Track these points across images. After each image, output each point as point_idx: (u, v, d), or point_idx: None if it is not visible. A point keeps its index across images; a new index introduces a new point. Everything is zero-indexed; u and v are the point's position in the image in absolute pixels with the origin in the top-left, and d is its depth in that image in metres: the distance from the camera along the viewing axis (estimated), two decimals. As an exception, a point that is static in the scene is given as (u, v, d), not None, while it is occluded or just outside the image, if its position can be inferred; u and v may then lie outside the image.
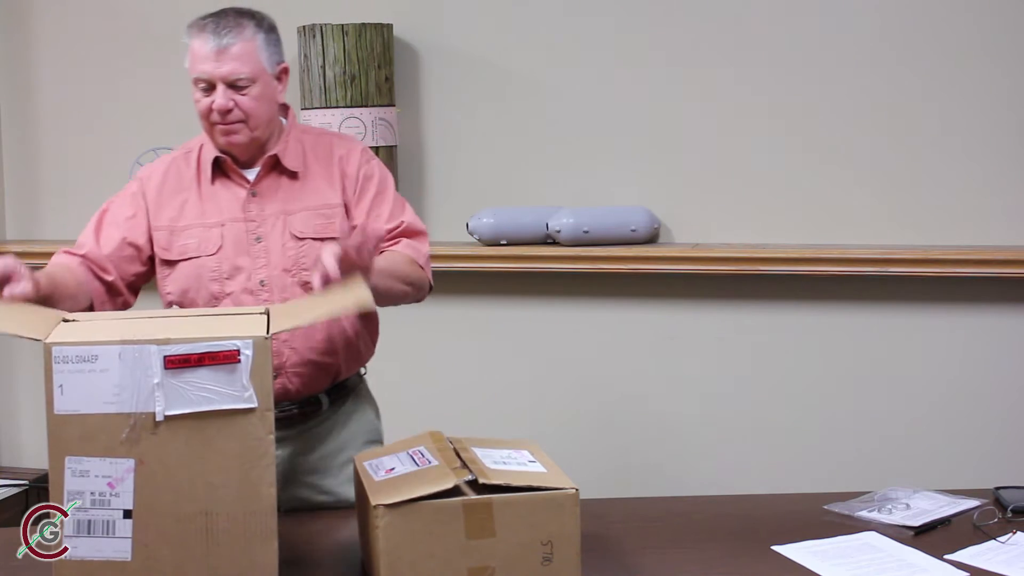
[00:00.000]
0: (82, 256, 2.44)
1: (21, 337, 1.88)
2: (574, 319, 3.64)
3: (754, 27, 3.46)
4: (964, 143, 3.35)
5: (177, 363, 1.82)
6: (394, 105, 3.63)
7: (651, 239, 3.54)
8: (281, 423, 2.46)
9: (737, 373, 3.53)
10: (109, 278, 2.44)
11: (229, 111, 2.37)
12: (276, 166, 2.46)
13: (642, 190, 3.57)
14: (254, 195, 2.44)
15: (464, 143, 3.70)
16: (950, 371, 3.39)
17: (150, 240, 2.46)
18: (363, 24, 3.55)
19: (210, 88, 2.37)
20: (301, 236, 2.42)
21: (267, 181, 2.45)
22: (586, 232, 3.49)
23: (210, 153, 2.46)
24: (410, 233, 2.49)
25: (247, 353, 1.83)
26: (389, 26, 3.63)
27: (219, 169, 2.46)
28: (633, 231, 3.51)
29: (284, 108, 2.51)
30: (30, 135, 4.05)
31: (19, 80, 4.05)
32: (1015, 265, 3.26)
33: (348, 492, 2.51)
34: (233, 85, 2.36)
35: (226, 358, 1.82)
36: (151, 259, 2.48)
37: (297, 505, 2.51)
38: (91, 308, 2.42)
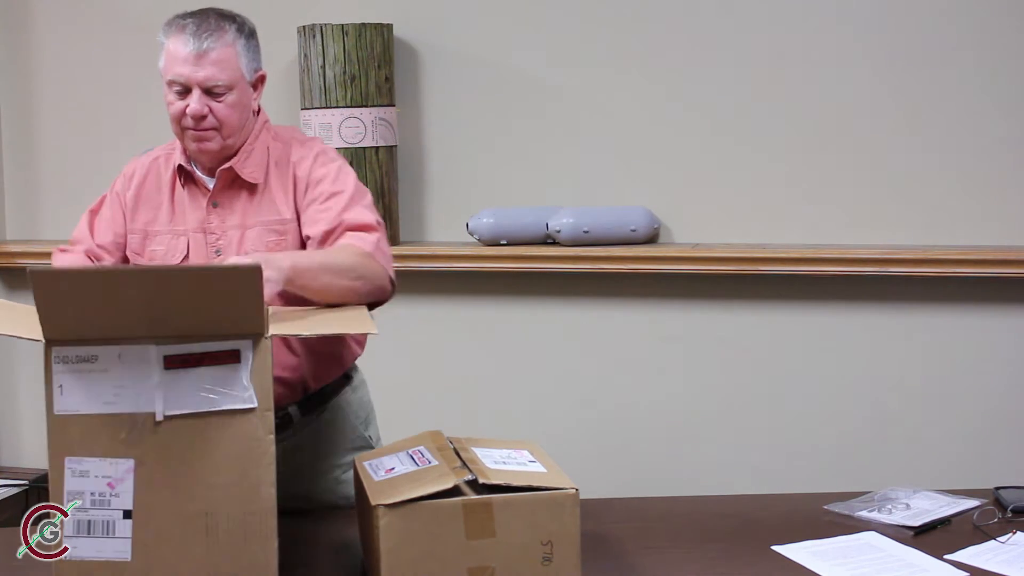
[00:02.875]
0: (83, 252, 2.41)
1: (21, 338, 1.88)
2: (574, 319, 3.64)
3: (754, 27, 3.46)
4: (964, 143, 3.35)
5: (177, 363, 1.82)
6: (394, 105, 3.63)
7: (651, 239, 3.54)
8: None
9: (737, 373, 3.53)
10: (108, 261, 2.39)
11: (203, 117, 2.30)
12: (236, 178, 2.38)
13: (642, 190, 3.57)
14: (215, 206, 2.38)
15: (464, 143, 3.70)
16: (950, 371, 3.39)
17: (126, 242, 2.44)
18: (363, 24, 3.55)
19: (185, 91, 2.30)
20: (254, 252, 2.31)
21: (227, 193, 2.38)
22: (586, 232, 3.49)
23: (179, 158, 2.40)
24: (353, 228, 2.33)
25: (247, 353, 1.82)
26: (389, 26, 3.63)
27: (187, 175, 2.41)
28: (633, 231, 3.51)
29: (258, 112, 2.44)
30: (30, 135, 4.05)
31: (19, 80, 4.05)
32: (1015, 265, 3.26)
33: (326, 497, 2.48)
34: (210, 91, 2.29)
35: (226, 358, 1.82)
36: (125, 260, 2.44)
37: (285, 507, 2.48)
38: None
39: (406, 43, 3.70)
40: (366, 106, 3.55)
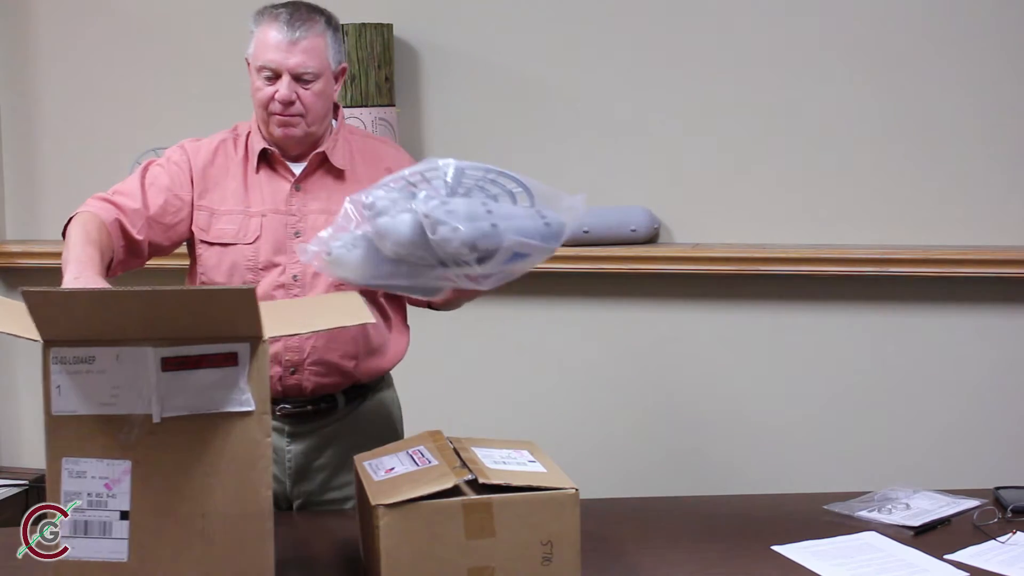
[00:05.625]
0: (121, 210, 2.39)
1: (20, 337, 1.88)
2: (574, 319, 3.64)
3: (754, 27, 3.47)
4: (964, 143, 3.35)
5: (174, 365, 1.81)
6: (394, 105, 3.63)
7: (651, 239, 3.54)
8: (295, 419, 2.48)
9: (737, 373, 3.53)
10: (139, 237, 2.40)
11: (291, 103, 2.38)
12: (323, 163, 2.47)
13: (642, 190, 3.57)
14: (298, 189, 2.45)
15: (464, 143, 3.69)
16: (950, 371, 3.39)
17: (188, 217, 2.45)
18: (363, 24, 3.56)
19: (274, 77, 2.38)
20: None
21: (313, 177, 2.46)
22: (586, 232, 3.50)
23: (258, 142, 2.46)
24: None
25: (245, 356, 1.82)
26: (389, 26, 3.63)
27: (265, 160, 2.47)
28: (633, 231, 3.51)
29: (335, 107, 2.53)
30: (30, 135, 4.05)
31: (19, 80, 4.05)
32: (1015, 265, 3.26)
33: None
34: (299, 78, 2.38)
35: (224, 361, 1.82)
36: (178, 236, 2.47)
37: (308, 501, 2.52)
38: (110, 265, 2.39)
39: (406, 43, 3.70)
40: (366, 106, 3.55)
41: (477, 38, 3.67)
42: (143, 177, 2.47)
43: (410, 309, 2.60)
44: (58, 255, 4.24)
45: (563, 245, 3.43)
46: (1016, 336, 3.34)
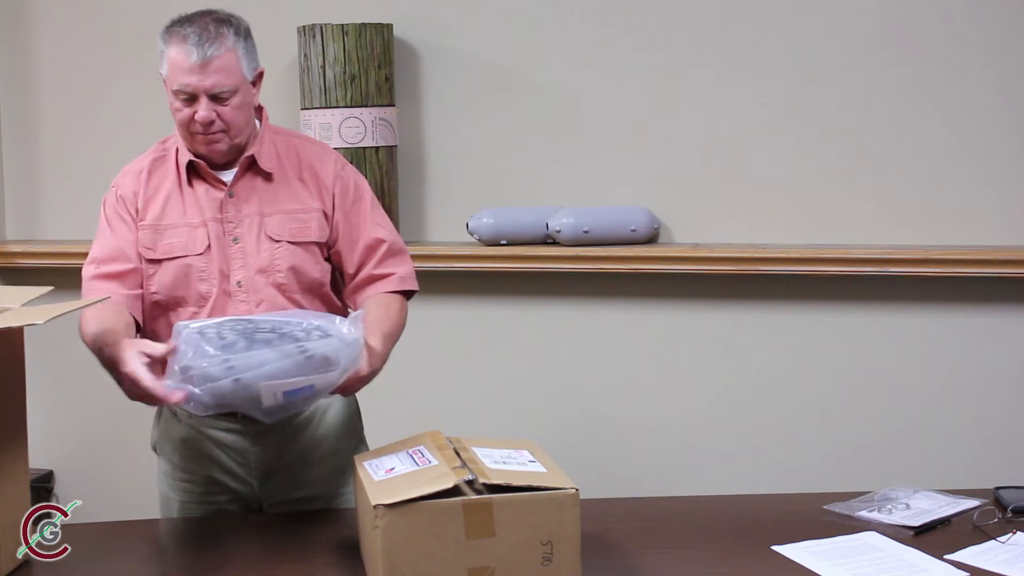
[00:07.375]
0: (119, 282, 2.42)
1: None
2: (574, 319, 3.64)
3: (754, 27, 3.46)
4: (964, 143, 3.35)
5: None
6: (394, 105, 3.63)
7: (651, 239, 3.54)
8: (257, 420, 2.46)
9: (737, 373, 3.53)
10: (137, 292, 2.44)
11: (211, 123, 2.37)
12: (252, 167, 2.46)
13: (642, 190, 3.57)
14: (231, 196, 2.44)
15: (464, 143, 3.70)
16: (950, 371, 3.39)
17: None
18: (363, 24, 3.55)
19: (192, 99, 2.36)
20: (277, 239, 2.43)
21: (243, 182, 2.45)
22: (586, 232, 3.50)
23: (185, 156, 2.46)
24: (395, 252, 2.52)
25: None
26: (389, 26, 3.63)
27: (195, 171, 2.46)
28: (633, 231, 3.51)
29: (258, 109, 2.51)
30: (30, 135, 4.05)
31: (19, 80, 4.05)
32: (1015, 265, 3.26)
33: (328, 487, 2.53)
34: (215, 97, 2.35)
35: None
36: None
37: (278, 501, 2.51)
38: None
39: (406, 43, 3.70)
40: (366, 106, 3.55)
41: (477, 38, 3.67)
42: (111, 230, 2.46)
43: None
44: (58, 255, 4.25)
45: (564, 245, 3.51)
46: (1016, 336, 3.34)
